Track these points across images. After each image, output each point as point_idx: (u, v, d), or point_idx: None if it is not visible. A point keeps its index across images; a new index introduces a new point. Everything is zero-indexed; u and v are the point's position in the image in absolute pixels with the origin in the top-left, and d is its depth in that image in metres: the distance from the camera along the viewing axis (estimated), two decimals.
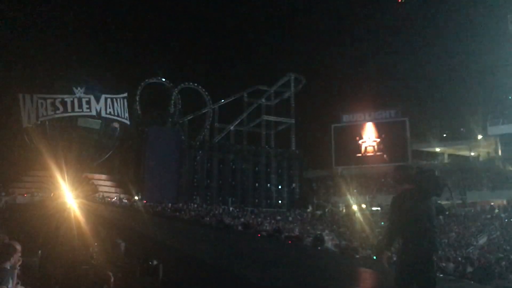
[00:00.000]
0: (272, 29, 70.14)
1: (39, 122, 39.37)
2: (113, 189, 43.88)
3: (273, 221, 34.01)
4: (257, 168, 53.37)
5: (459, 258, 18.90)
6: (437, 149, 48.99)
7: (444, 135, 48.71)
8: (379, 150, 49.42)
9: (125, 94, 44.54)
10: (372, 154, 49.73)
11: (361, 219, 32.95)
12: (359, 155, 50.31)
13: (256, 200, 50.88)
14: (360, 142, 50.56)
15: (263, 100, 56.80)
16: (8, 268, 4.61)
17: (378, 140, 49.72)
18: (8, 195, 33.69)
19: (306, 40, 60.80)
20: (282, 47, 61.03)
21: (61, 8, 49.48)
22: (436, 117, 49.07)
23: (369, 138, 50.21)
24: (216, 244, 13.95)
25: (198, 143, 51.42)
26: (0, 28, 39.91)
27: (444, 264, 17.73)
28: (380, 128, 49.75)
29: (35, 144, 37.59)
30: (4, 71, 35.14)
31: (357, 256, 17.44)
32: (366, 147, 50.21)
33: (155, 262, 6.69)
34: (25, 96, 39.29)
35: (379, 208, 37.48)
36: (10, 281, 4.52)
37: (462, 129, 47.93)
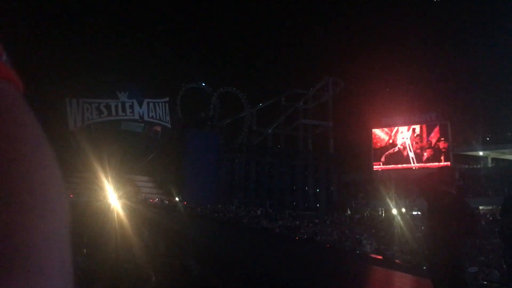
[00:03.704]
0: (311, 32, 69.95)
1: (84, 125, 40.78)
2: (154, 190, 44.91)
3: (311, 224, 33.90)
4: (294, 171, 53.32)
5: (504, 266, 18.34)
6: (480, 153, 47.37)
7: (488, 138, 47.06)
8: (419, 153, 48.35)
9: (167, 99, 45.54)
10: (412, 157, 48.71)
11: (401, 223, 32.33)
12: (399, 158, 49.40)
13: (294, 203, 50.81)
14: (400, 145, 49.63)
15: (301, 103, 56.73)
16: None
17: (419, 143, 48.63)
18: None
19: (345, 43, 60.30)
20: (320, 50, 60.78)
21: (105, 16, 51.27)
22: (479, 120, 47.51)
23: (410, 141, 49.21)
24: (253, 246, 14.15)
25: (236, 146, 51.95)
26: (48, 36, 41.71)
27: (487, 272, 17.24)
28: (421, 132, 48.66)
29: (80, 147, 38.84)
30: (52, 77, 36.74)
31: (397, 261, 17.25)
32: (406, 151, 49.23)
33: (192, 262, 6.95)
34: (71, 101, 40.77)
35: (419, 213, 36.66)
36: None
37: (507, 133, 46.18)
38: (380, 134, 51.28)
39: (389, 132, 50.72)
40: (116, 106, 41.86)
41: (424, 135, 48.58)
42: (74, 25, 46.19)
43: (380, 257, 16.11)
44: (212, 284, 7.30)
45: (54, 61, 39.41)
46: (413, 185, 38.65)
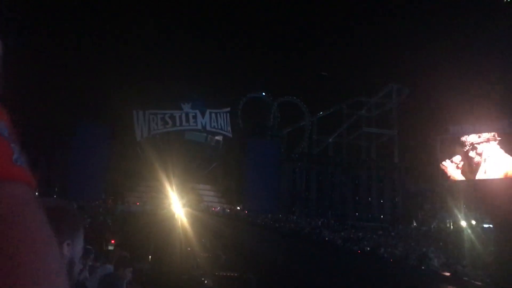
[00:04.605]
0: (374, 38, 68.53)
1: (150, 136, 42.59)
2: (216, 199, 45.77)
3: (374, 236, 33.00)
4: (357, 181, 52.21)
5: None
6: None
7: None
8: (491, 164, 45.55)
9: (228, 109, 46.57)
10: (483, 168, 45.97)
11: (471, 236, 30.70)
12: (469, 168, 46.82)
13: (356, 214, 49.72)
14: (470, 155, 47.03)
15: (363, 111, 55.58)
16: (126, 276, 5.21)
17: (491, 153, 45.82)
18: (124, 204, 36.85)
19: (409, 48, 58.41)
20: (383, 56, 59.31)
21: (171, 31, 53.32)
22: None
23: (480, 150, 46.46)
24: (314, 259, 13.96)
25: (297, 156, 51.80)
26: (118, 53, 44.03)
27: None
28: (493, 141, 45.87)
29: (147, 156, 40.53)
30: (121, 90, 38.66)
31: (466, 278, 16.35)
32: (476, 160, 46.56)
33: (250, 275, 6.97)
34: (138, 112, 42.77)
35: (491, 225, 34.60)
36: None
37: None
38: (448, 143, 49.00)
39: (457, 141, 48.31)
40: (180, 117, 43.45)
41: (495, 145, 45.73)
42: (141, 41, 48.48)
43: (448, 274, 15.35)
44: None
45: (123, 76, 41.58)
46: (482, 203, 36.84)
